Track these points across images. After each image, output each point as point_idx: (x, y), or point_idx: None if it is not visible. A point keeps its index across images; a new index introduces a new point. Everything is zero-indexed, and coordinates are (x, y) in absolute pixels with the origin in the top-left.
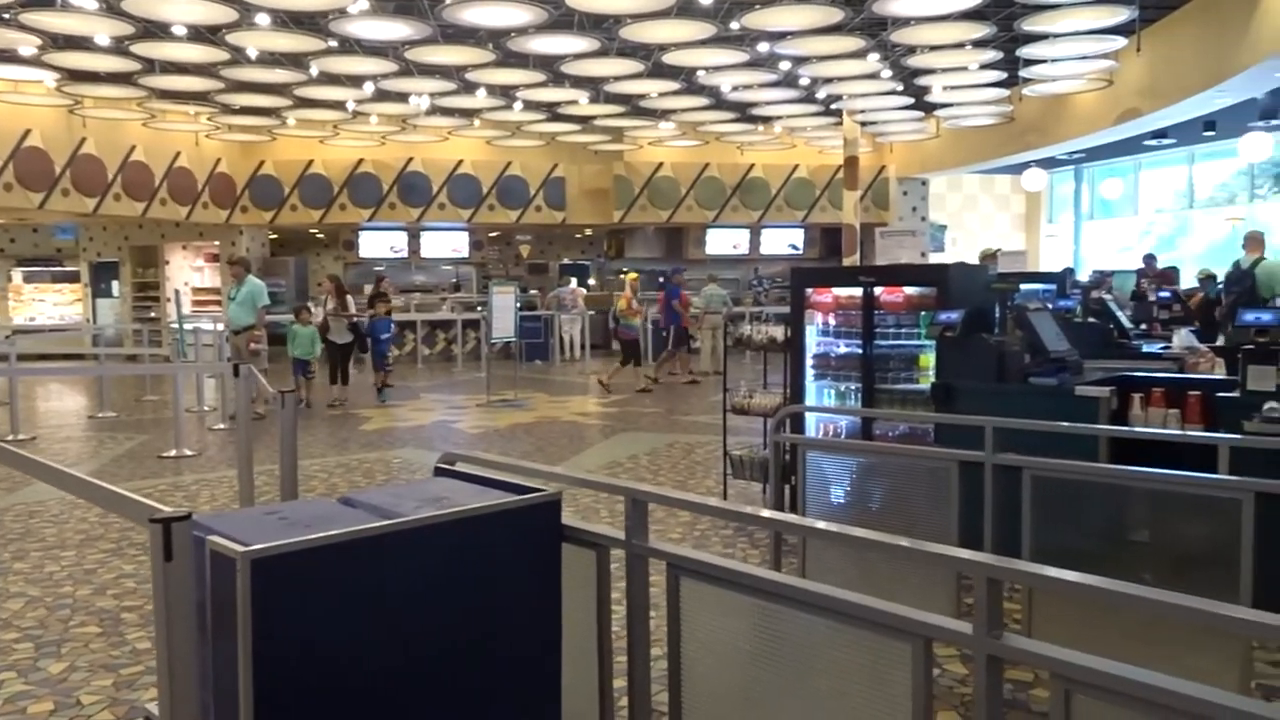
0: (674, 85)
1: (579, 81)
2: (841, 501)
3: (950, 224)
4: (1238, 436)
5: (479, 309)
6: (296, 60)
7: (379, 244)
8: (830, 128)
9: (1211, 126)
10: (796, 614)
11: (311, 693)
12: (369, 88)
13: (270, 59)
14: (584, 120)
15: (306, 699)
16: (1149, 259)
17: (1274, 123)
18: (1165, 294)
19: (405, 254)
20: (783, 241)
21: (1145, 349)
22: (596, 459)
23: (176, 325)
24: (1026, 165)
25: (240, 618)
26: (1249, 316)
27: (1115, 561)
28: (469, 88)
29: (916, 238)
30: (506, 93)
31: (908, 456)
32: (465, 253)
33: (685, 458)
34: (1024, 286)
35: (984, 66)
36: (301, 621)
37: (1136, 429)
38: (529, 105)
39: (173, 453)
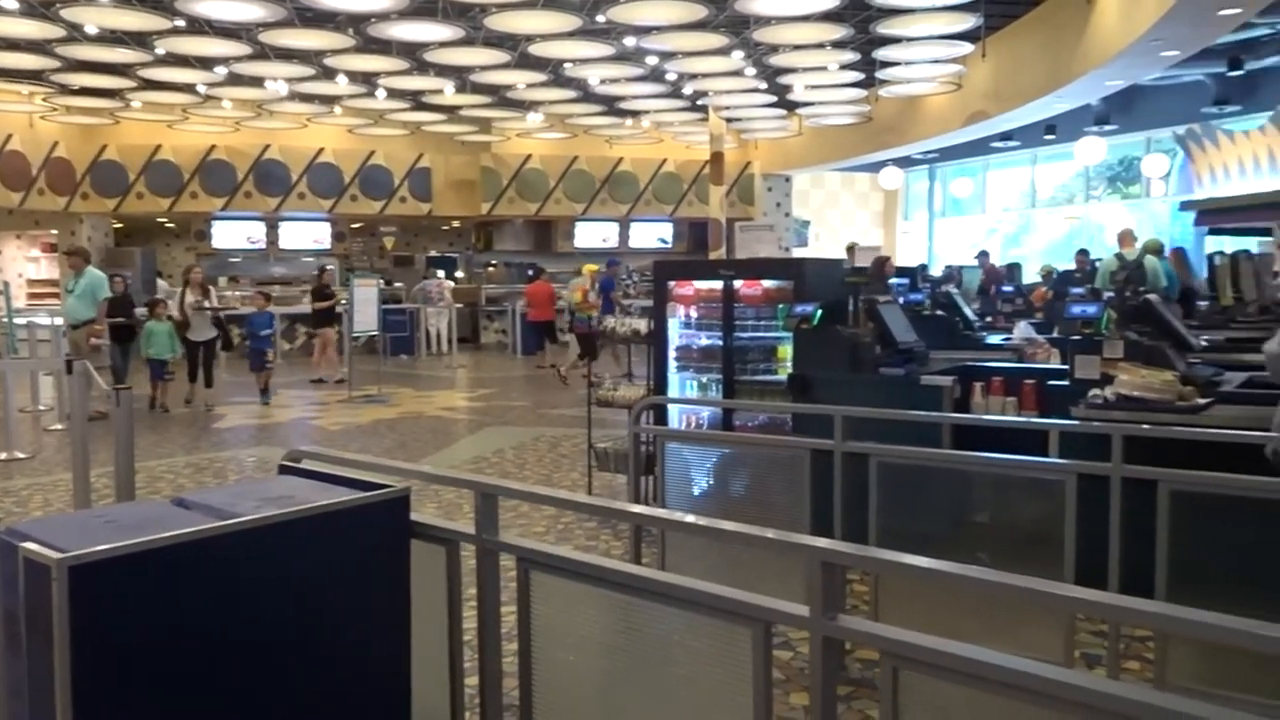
0: (541, 77)
1: (444, 70)
2: (701, 491)
3: (813, 220)
4: (1064, 422)
5: (342, 302)
6: (140, 39)
7: (234, 234)
8: (697, 123)
9: (1052, 130)
10: (644, 604)
11: (137, 706)
12: (221, 71)
13: (111, 37)
14: (450, 110)
15: (131, 712)
16: (982, 256)
17: (1107, 128)
18: (1009, 288)
19: (263, 245)
20: (652, 235)
21: (988, 340)
22: (461, 454)
23: (6, 320)
24: (884, 164)
25: (57, 628)
26: (1075, 309)
27: (957, 542)
28: (328, 73)
29: (774, 232)
30: (368, 80)
31: (763, 446)
32: (327, 244)
33: (551, 451)
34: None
35: (843, 67)
36: (125, 630)
37: (975, 416)
38: (392, 93)
39: (3, 455)
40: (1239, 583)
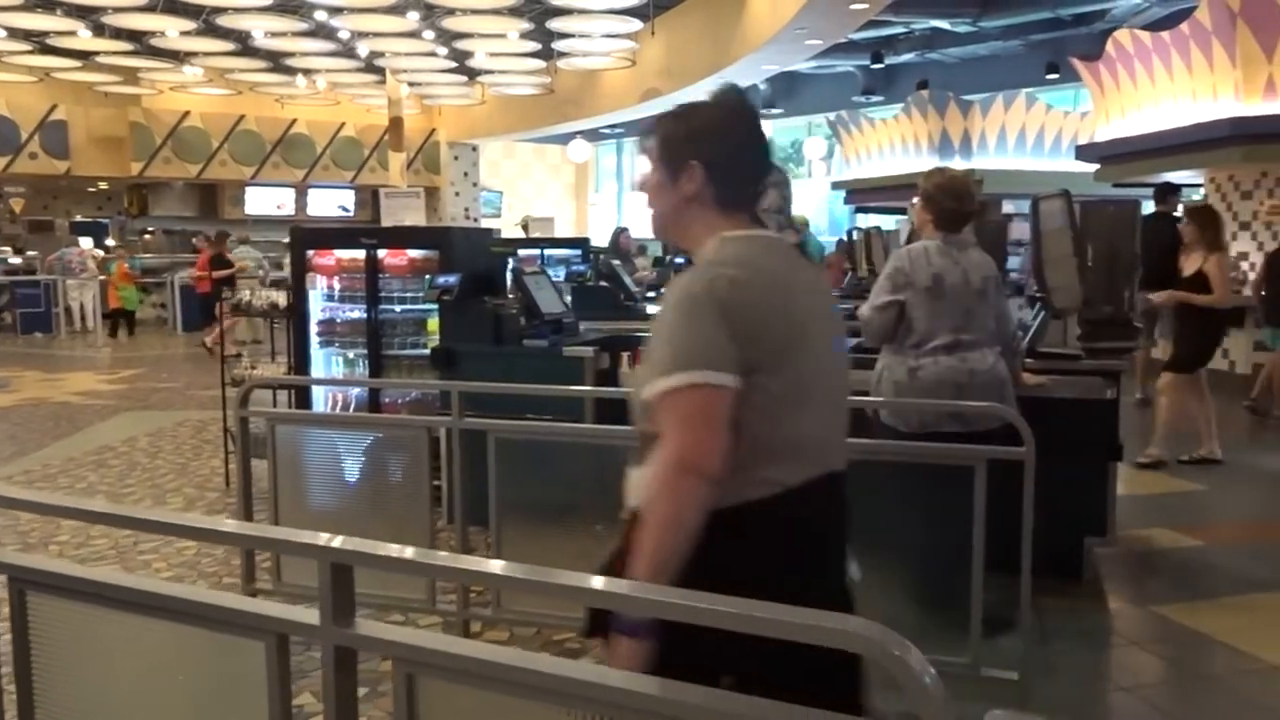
0: (192, 24)
1: (74, 10)
2: (319, 479)
3: (506, 190)
4: None
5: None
6: None
7: None
8: (375, 86)
9: None
10: (157, 623)
11: None
12: None
13: None
14: (85, 56)
15: None
16: (623, 231)
17: (773, 111)
18: (681, 260)
19: None
20: (332, 203)
21: (649, 310)
22: (84, 444)
23: None
24: (572, 136)
25: None
26: None
27: (580, 513)
28: None
29: (419, 199)
30: None
31: (378, 426)
32: None
33: (195, 436)
34: (548, 251)
35: (523, 36)
36: None
37: (602, 389)
38: (12, 33)
39: None
40: None
